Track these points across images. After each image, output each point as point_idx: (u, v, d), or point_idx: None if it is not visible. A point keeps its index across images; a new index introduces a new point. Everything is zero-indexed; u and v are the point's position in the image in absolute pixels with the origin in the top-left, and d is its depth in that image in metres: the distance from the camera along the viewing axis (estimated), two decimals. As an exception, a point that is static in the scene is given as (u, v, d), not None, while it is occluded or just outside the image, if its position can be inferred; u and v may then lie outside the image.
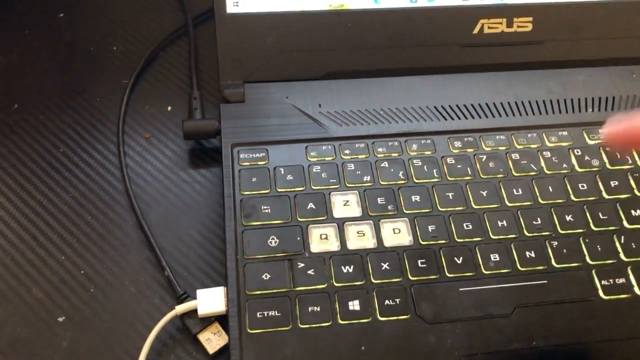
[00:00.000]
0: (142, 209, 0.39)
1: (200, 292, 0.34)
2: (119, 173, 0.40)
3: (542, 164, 0.39)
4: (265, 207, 0.36)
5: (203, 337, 0.34)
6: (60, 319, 0.34)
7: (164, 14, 0.48)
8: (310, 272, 0.34)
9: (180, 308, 0.34)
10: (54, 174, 0.40)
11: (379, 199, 0.37)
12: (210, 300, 0.34)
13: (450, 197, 0.37)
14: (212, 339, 0.34)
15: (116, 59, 0.46)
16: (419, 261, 0.35)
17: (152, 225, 0.38)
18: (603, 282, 0.35)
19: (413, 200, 0.37)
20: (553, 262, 0.35)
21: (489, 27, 0.44)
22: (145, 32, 0.47)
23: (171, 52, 0.47)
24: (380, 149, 0.39)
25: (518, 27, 0.44)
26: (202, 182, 0.40)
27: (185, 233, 0.38)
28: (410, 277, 0.34)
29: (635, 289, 0.34)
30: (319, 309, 0.33)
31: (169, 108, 0.43)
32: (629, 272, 0.35)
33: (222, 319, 0.34)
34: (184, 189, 0.40)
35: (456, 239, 0.36)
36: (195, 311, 0.34)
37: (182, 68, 0.46)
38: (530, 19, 0.44)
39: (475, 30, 0.43)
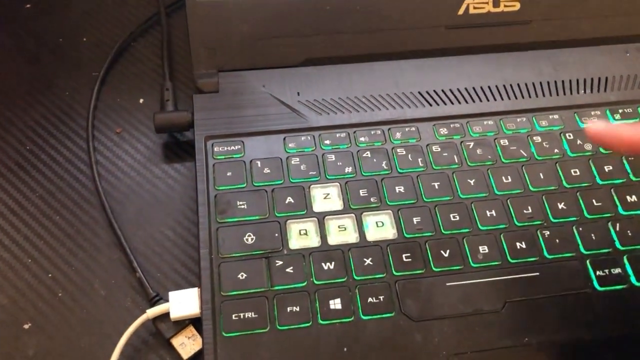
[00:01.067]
0: (113, 208, 0.37)
1: (172, 294, 0.32)
2: (89, 170, 0.38)
3: (533, 149, 0.37)
4: (241, 203, 0.34)
5: (177, 341, 0.32)
6: (26, 326, 0.33)
7: (135, 2, 0.46)
8: (289, 270, 0.32)
9: (152, 311, 0.32)
10: (20, 173, 0.38)
11: (361, 191, 0.35)
12: (184, 302, 0.32)
13: (436, 187, 0.35)
14: (187, 343, 0.32)
15: (86, 50, 0.44)
16: (404, 255, 0.33)
17: (123, 225, 0.36)
18: (598, 272, 0.33)
19: (397, 191, 0.35)
20: (545, 253, 0.33)
21: (474, 7, 0.42)
22: (116, 21, 0.45)
23: (143, 42, 0.44)
24: (362, 139, 0.37)
25: (505, 6, 0.42)
26: (176, 178, 0.38)
27: (159, 232, 0.36)
28: (395, 273, 0.32)
29: (632, 279, 0.33)
30: (298, 309, 0.31)
31: (141, 100, 0.41)
32: (625, 261, 0.33)
33: (197, 322, 0.32)
34: (157, 186, 0.38)
35: (443, 231, 0.34)
36: (168, 314, 0.32)
37: (155, 59, 0.44)
38: (518, -3, 0.42)
39: (460, 11, 0.41)
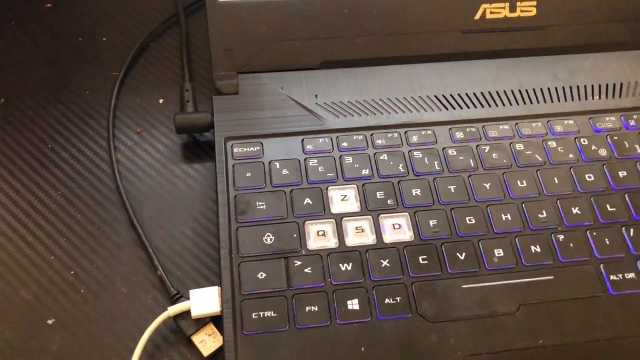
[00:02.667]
0: (133, 207, 0.37)
1: (193, 293, 0.33)
2: (110, 169, 0.39)
3: (548, 154, 0.38)
4: (260, 203, 0.35)
5: (197, 338, 0.32)
6: (49, 322, 0.33)
7: (154, 3, 0.47)
8: (307, 270, 0.33)
9: (173, 309, 0.32)
10: (42, 171, 0.39)
11: (378, 193, 0.36)
12: (204, 300, 0.33)
13: (452, 190, 0.36)
14: (207, 341, 0.32)
15: (105, 50, 0.44)
16: (420, 257, 0.34)
17: (144, 223, 0.37)
18: (612, 277, 0.33)
19: (414, 194, 0.36)
20: (559, 257, 0.34)
21: (491, 12, 0.42)
22: (135, 22, 0.46)
23: (162, 42, 0.45)
24: (379, 141, 0.38)
25: (522, 11, 0.42)
26: (195, 178, 0.39)
27: (179, 231, 0.37)
28: (411, 275, 0.33)
29: (646, 283, 0.33)
30: (316, 309, 0.32)
31: (161, 101, 0.42)
32: (638, 266, 0.34)
33: (216, 320, 0.33)
34: (177, 185, 0.38)
35: (458, 234, 0.34)
36: (189, 312, 0.33)
37: (173, 59, 0.44)
38: (534, 2, 0.42)
39: (477, 16, 0.42)
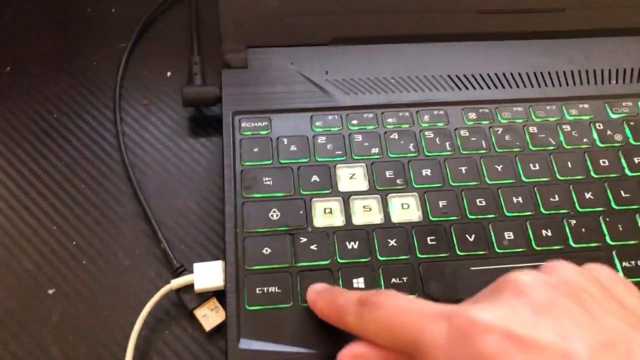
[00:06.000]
0: (138, 179, 0.37)
1: (197, 266, 0.32)
2: (115, 141, 0.38)
3: (561, 138, 0.37)
4: (267, 179, 0.34)
5: (199, 313, 0.32)
6: (50, 292, 0.33)
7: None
8: (313, 247, 0.32)
9: (176, 282, 0.32)
10: (47, 140, 0.38)
11: (387, 173, 0.35)
12: (208, 274, 0.32)
13: (463, 172, 0.35)
14: (209, 315, 0.32)
15: (114, 21, 0.44)
16: (428, 238, 0.33)
17: (148, 196, 0.36)
18: (624, 263, 0.33)
19: (423, 174, 0.35)
20: (571, 242, 0.33)
21: (507, -8, 0.41)
22: (145, -6, 0.45)
23: (172, 15, 0.44)
24: (389, 120, 0.37)
25: (539, -8, 0.41)
26: (201, 152, 0.38)
27: (184, 205, 0.36)
28: (419, 255, 0.32)
29: None
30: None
31: (169, 73, 0.41)
32: (659, 255, 0.33)
33: (220, 295, 0.32)
34: (182, 159, 0.38)
35: (468, 216, 0.34)
36: (192, 286, 0.32)
37: (183, 32, 0.43)
38: (552, -16, 0.41)
39: (493, -5, 0.41)
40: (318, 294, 0.29)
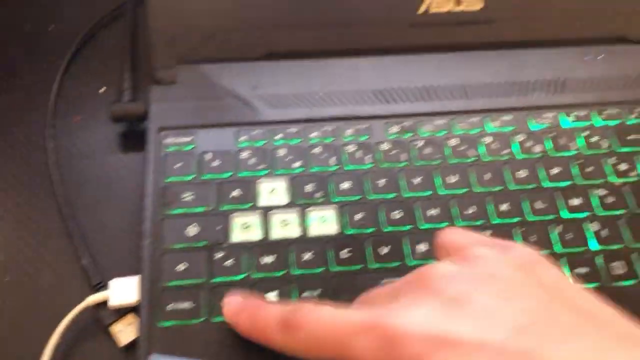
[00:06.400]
0: (67, 196, 0.37)
1: (112, 282, 0.33)
2: (45, 157, 0.39)
3: (482, 150, 0.38)
4: (187, 195, 0.35)
5: (115, 328, 0.33)
6: (-28, 309, 0.34)
7: (104, -10, 0.47)
8: (228, 262, 0.33)
9: (92, 298, 0.33)
10: (-21, 158, 0.39)
11: (307, 186, 0.36)
12: (124, 290, 0.33)
13: (381, 185, 0.36)
14: (124, 331, 0.32)
15: (51, 39, 0.44)
16: (344, 251, 0.34)
17: (77, 212, 0.37)
18: (534, 274, 0.33)
19: (343, 187, 0.36)
20: (483, 253, 0.34)
21: (435, 6, 0.42)
22: (84, 10, 0.46)
23: (110, 32, 0.45)
24: (313, 134, 0.38)
25: (467, 5, 0.42)
26: (131, 168, 0.39)
27: (112, 220, 0.37)
28: (333, 268, 0.33)
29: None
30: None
31: (102, 90, 0.42)
32: (565, 264, 0.34)
33: (138, 311, 0.33)
34: (110, 175, 0.38)
35: (384, 228, 0.34)
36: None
37: (121, 48, 0.44)
38: (480, -4, 0.42)
39: (421, 10, 0.42)
40: (236, 314, 0.29)
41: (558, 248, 0.34)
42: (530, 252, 0.26)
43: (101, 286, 0.34)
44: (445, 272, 0.25)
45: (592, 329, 0.22)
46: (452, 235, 0.29)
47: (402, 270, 0.33)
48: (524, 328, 0.22)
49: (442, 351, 0.22)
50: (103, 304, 0.33)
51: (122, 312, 0.33)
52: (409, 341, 0.23)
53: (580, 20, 0.43)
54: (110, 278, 0.34)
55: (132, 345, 0.32)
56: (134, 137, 0.40)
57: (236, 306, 0.30)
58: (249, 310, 0.29)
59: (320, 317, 0.25)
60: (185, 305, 0.32)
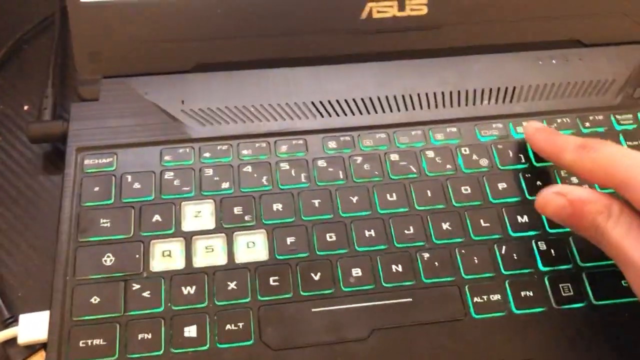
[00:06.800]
0: (-17, 222, 0.35)
1: (22, 317, 0.31)
2: (-39, 181, 0.36)
3: (424, 165, 0.35)
4: (104, 221, 0.33)
5: (25, 367, 0.30)
6: None
7: (32, 2, 0.44)
8: (145, 294, 0.30)
9: (0, 335, 0.30)
10: None
11: (235, 209, 0.33)
12: (34, 326, 0.30)
13: (317, 205, 0.34)
14: (35, 371, 0.30)
15: (-26, 52, 0.42)
16: (272, 279, 0.31)
17: (-8, 240, 0.34)
18: (476, 299, 0.31)
19: (274, 209, 0.33)
20: (422, 277, 0.32)
21: (378, 11, 0.39)
22: (12, 22, 0.43)
23: (37, 45, 0.42)
24: (245, 152, 0.35)
25: (411, 10, 0.40)
26: (51, 191, 0.36)
27: (29, 249, 0.34)
28: (260, 297, 0.31)
29: (512, 305, 0.31)
30: (150, 336, 0.29)
31: (26, 107, 0.39)
32: (507, 286, 0.31)
33: (50, 347, 0.31)
34: (31, 200, 0.36)
35: (317, 252, 0.32)
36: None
37: (46, 63, 0.42)
38: (425, 0, 0.40)
39: (363, 15, 0.39)
40: (536, 129, 0.34)
41: (502, 269, 0.32)
42: None
43: (12, 321, 0.31)
44: None
45: None
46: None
47: (335, 297, 0.31)
48: None
49: None
50: (13, 340, 0.31)
51: (33, 349, 0.31)
52: None
53: (532, 24, 0.41)
54: (24, 311, 0.32)
55: (41, 386, 0.30)
56: (57, 159, 0.38)
57: (538, 125, 0.35)
58: (548, 130, 0.34)
59: (618, 148, 0.29)
60: (98, 341, 0.29)
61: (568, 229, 0.33)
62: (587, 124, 0.37)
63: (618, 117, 0.37)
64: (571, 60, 0.40)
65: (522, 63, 0.40)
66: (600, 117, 0.38)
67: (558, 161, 0.32)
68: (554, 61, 0.40)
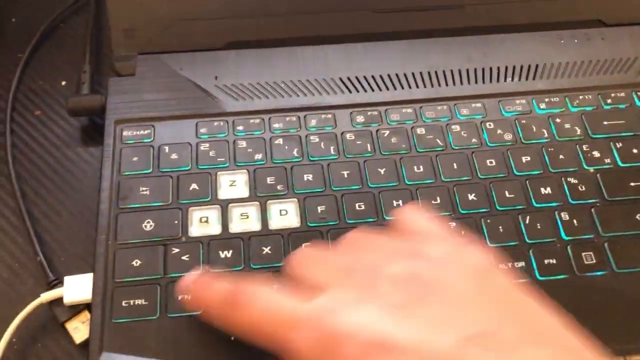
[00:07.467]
0: (26, 191, 0.36)
1: (67, 279, 0.32)
2: (4, 153, 0.38)
3: (450, 138, 0.36)
4: (144, 189, 0.34)
5: (71, 325, 0.32)
6: None
7: (68, -18, 0.46)
8: (185, 257, 0.32)
9: (46, 296, 0.32)
10: (-64, 154, 0.38)
11: (268, 179, 0.35)
12: (78, 287, 0.32)
13: (345, 176, 0.35)
14: (80, 328, 0.32)
15: (13, 31, 0.43)
16: (304, 244, 0.33)
17: (36, 208, 0.36)
18: (500, 265, 0.32)
19: (305, 179, 0.35)
20: (449, 245, 0.33)
21: (404, -9, 0.41)
22: (47, 2, 0.44)
23: (73, 24, 0.44)
24: (276, 125, 0.37)
25: (436, -10, 0.41)
26: (90, 162, 0.38)
27: (70, 216, 0.36)
28: (293, 262, 0.32)
29: (535, 272, 0.32)
30: (189, 297, 0.31)
31: (63, 83, 0.41)
32: (530, 254, 0.33)
33: (94, 307, 0.32)
34: (70, 170, 0.37)
35: (346, 221, 0.33)
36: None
37: (83, 41, 0.43)
38: (450, -20, 0.41)
39: (389, -6, 0.40)
40: (187, 285, 0.28)
41: (526, 239, 0.33)
42: (484, 258, 0.25)
43: (57, 283, 0.33)
44: (397, 272, 0.24)
45: (537, 342, 0.22)
46: (411, 218, 0.28)
47: (364, 264, 0.32)
48: (469, 338, 0.21)
49: (378, 356, 0.21)
50: (58, 300, 0.32)
51: (77, 309, 0.32)
52: (347, 342, 0.22)
53: (554, 4, 0.41)
54: (67, 275, 0.33)
55: (88, 342, 0.31)
56: (94, 132, 0.39)
57: (188, 281, 0.28)
58: (200, 282, 0.28)
59: (264, 301, 0.25)
60: (140, 301, 0.31)
61: (589, 200, 0.34)
62: (609, 101, 0.38)
63: None
64: (593, 39, 0.41)
65: (544, 42, 0.41)
66: (622, 94, 0.38)
67: (209, 321, 0.27)
68: (575, 40, 0.41)
